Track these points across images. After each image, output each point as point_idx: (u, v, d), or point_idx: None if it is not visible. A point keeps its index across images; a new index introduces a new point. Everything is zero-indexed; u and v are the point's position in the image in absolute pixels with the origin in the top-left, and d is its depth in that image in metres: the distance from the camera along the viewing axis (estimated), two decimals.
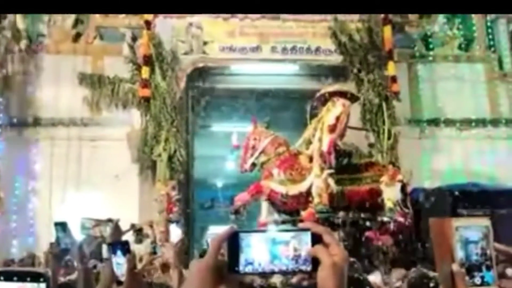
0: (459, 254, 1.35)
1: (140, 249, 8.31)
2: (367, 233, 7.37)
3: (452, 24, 11.23)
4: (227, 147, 13.43)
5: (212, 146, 12.47)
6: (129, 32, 9.99)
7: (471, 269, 1.37)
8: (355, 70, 9.74)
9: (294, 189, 7.14)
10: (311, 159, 7.33)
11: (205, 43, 10.02)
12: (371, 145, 9.20)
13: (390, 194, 7.36)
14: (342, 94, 7.68)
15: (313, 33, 9.90)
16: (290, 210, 7.48)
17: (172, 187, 8.97)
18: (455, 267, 1.38)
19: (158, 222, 8.79)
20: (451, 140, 10.30)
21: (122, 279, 1.98)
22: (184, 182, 9.69)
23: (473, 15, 11.05)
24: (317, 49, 9.83)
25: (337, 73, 9.92)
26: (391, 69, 9.51)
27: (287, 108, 11.87)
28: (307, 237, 1.05)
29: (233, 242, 1.05)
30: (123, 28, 9.97)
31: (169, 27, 9.86)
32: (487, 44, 11.17)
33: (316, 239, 1.04)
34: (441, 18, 11.09)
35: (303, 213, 7.09)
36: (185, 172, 9.73)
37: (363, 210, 7.47)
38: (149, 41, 9.58)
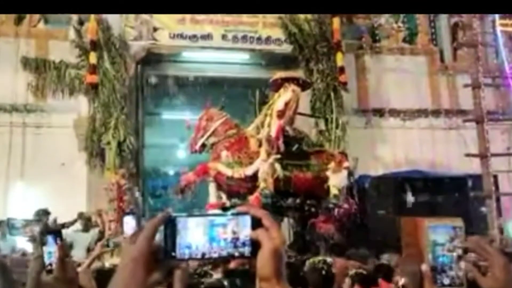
0: (429, 254, 1.45)
1: (87, 238, 8.19)
2: (311, 220, 7.46)
3: (397, 17, 11.62)
4: (177, 135, 13.36)
5: (162, 134, 12.35)
6: (75, 16, 9.67)
7: (440, 269, 1.47)
8: (304, 60, 9.94)
9: (240, 172, 7.06)
10: (260, 143, 7.32)
11: (155, 29, 9.87)
12: (320, 132, 9.40)
13: (336, 181, 7.43)
14: (294, 80, 7.70)
15: (264, 22, 9.96)
16: (237, 193, 7.42)
17: (122, 176, 8.84)
18: (424, 267, 1.46)
19: (108, 211, 8.66)
20: (395, 130, 10.71)
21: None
22: (134, 170, 9.57)
23: None
24: (268, 39, 9.92)
25: (287, 62, 10.03)
26: (339, 60, 9.75)
27: (236, 97, 11.89)
28: (246, 221, 1.03)
29: (169, 227, 1.02)
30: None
31: None
32: (429, 38, 11.64)
33: (256, 223, 1.03)
34: None
35: (251, 198, 7.05)
36: (135, 160, 9.61)
37: (309, 197, 7.52)
38: (97, 26, 9.34)
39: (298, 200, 7.44)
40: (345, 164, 7.67)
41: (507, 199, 9.67)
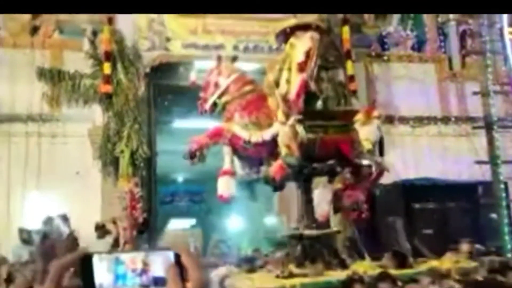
0: None
1: (102, 245, 8.33)
2: (336, 188, 6.54)
3: (405, 25, 11.73)
4: (186, 143, 13.48)
5: (173, 142, 12.50)
6: (89, 27, 9.86)
7: None
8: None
9: (258, 136, 6.02)
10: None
11: (167, 39, 10.04)
12: None
13: (367, 134, 6.41)
14: (306, 27, 6.37)
15: (275, 32, 10.08)
16: (255, 159, 6.37)
17: (135, 184, 8.98)
18: None
19: (121, 219, 8.80)
20: (405, 137, 10.79)
21: None
22: (146, 178, 9.71)
23: (425, 16, 11.59)
24: (278, 48, 10.03)
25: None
26: (349, 68, 9.87)
27: None
28: (164, 257, 0.94)
29: (85, 266, 0.94)
30: (83, 23, 9.83)
31: (131, 23, 9.82)
32: (438, 45, 11.74)
33: (178, 260, 0.93)
34: (395, 19, 11.57)
35: (272, 168, 6.04)
36: (147, 168, 9.75)
37: (339, 161, 6.25)
38: (111, 37, 9.52)
39: (327, 165, 6.19)
40: (375, 113, 6.74)
41: None
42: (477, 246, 6.82)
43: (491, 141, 9.48)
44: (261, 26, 10.01)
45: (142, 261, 0.94)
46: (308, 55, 6.18)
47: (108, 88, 9.37)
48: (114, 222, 8.81)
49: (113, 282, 0.93)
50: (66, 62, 9.86)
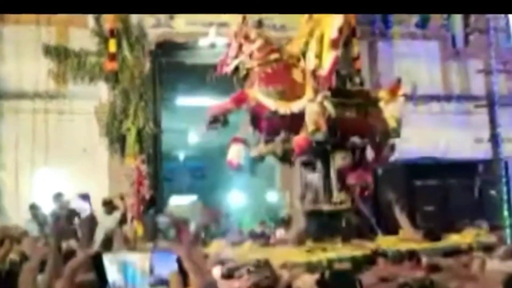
0: None
1: (110, 220, 8.52)
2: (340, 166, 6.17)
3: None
4: (191, 121, 13.62)
5: (175, 119, 12.61)
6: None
7: None
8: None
9: (286, 108, 5.74)
10: (305, 76, 6.02)
11: (171, 17, 10.04)
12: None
13: (393, 111, 6.25)
14: None
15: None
16: (275, 131, 6.07)
17: (141, 161, 9.11)
18: None
19: (129, 195, 8.95)
20: (408, 115, 10.87)
21: None
22: (152, 155, 9.83)
23: None
24: (283, 26, 10.06)
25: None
26: (354, 47, 9.89)
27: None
28: (168, 259, 0.93)
29: (97, 264, 0.98)
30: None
31: None
32: (441, 23, 11.73)
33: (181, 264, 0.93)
34: None
35: (297, 138, 5.82)
36: (153, 146, 9.87)
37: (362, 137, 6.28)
38: (115, 14, 9.52)
39: (350, 142, 6.17)
40: (400, 91, 6.49)
41: None
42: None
43: (492, 119, 9.60)
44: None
45: (148, 262, 0.97)
46: (341, 31, 6.02)
47: (113, 66, 9.43)
48: (122, 198, 8.96)
49: (124, 282, 0.98)
50: (71, 39, 9.88)
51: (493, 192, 9.45)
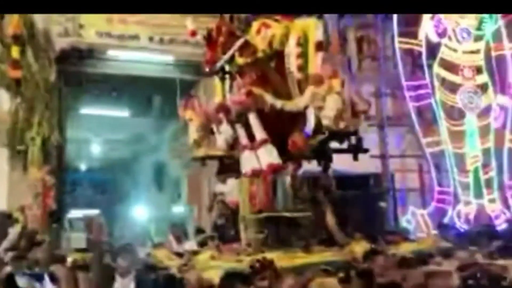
0: None
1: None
2: None
3: None
4: (94, 131, 13.38)
5: (80, 129, 12.35)
6: None
7: None
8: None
9: (292, 105, 5.63)
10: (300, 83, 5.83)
11: (81, 26, 9.90)
12: None
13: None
14: None
15: (191, 25, 10.35)
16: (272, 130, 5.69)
17: (47, 172, 8.85)
18: None
19: (30, 207, 8.62)
20: None
21: None
22: (55, 166, 9.56)
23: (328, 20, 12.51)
24: (196, 44, 10.33)
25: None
26: None
27: (160, 96, 12.27)
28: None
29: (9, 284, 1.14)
30: None
31: None
32: (339, 48, 12.73)
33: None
34: None
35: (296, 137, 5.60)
36: (58, 156, 9.61)
37: None
38: (19, 20, 9.19)
39: None
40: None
41: (403, 195, 11.06)
42: None
43: (382, 138, 10.68)
44: (177, 19, 10.22)
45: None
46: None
47: (17, 73, 9.07)
48: (22, 211, 8.62)
49: None
50: None
51: (382, 204, 10.46)
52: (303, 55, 5.77)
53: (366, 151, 6.25)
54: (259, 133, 5.50)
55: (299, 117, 5.63)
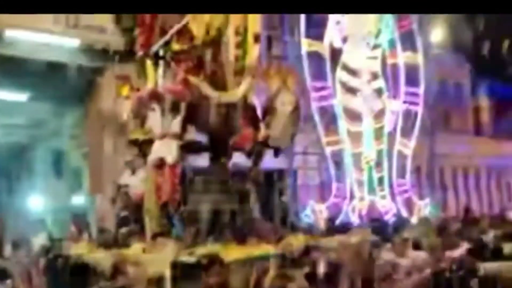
0: None
1: None
2: None
3: None
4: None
5: None
6: None
7: None
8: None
9: (231, 96, 5.57)
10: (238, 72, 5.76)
11: None
12: None
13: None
14: None
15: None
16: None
17: None
18: None
19: None
20: None
21: None
22: None
23: None
24: (103, 29, 10.02)
25: (121, 54, 10.24)
26: None
27: (60, 81, 11.70)
28: None
29: None
30: None
31: None
32: None
33: None
34: None
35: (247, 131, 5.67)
36: None
37: None
38: None
39: None
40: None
41: (304, 191, 11.62)
42: None
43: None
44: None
45: None
46: None
47: None
48: None
49: None
50: None
51: (284, 198, 10.92)
52: (241, 45, 5.73)
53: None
54: (175, 125, 5.42)
55: (241, 109, 5.58)
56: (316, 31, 11.88)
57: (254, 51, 5.78)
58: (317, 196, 11.70)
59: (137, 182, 7.06)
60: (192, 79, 5.40)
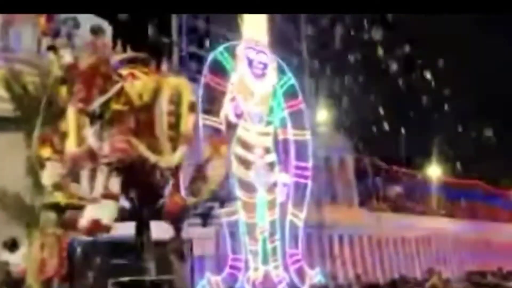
0: None
1: None
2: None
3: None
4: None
5: None
6: None
7: None
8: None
9: (166, 161, 5.52)
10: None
11: None
12: None
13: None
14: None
15: None
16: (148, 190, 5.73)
17: None
18: None
19: None
20: None
21: None
22: None
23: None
24: None
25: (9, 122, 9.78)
26: None
27: None
28: None
29: None
30: None
31: None
32: None
33: None
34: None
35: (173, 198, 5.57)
36: None
37: None
38: None
39: None
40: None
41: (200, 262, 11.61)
42: None
43: None
44: None
45: None
46: None
47: None
48: None
49: None
50: None
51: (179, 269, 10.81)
52: (175, 113, 5.71)
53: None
54: (114, 186, 5.22)
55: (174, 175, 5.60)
56: (212, 106, 12.43)
57: (190, 120, 5.81)
58: (213, 267, 11.76)
59: (20, 260, 6.83)
60: (134, 140, 5.29)
